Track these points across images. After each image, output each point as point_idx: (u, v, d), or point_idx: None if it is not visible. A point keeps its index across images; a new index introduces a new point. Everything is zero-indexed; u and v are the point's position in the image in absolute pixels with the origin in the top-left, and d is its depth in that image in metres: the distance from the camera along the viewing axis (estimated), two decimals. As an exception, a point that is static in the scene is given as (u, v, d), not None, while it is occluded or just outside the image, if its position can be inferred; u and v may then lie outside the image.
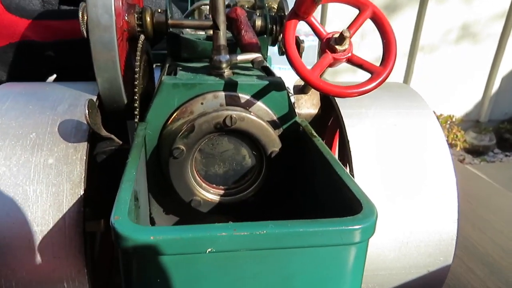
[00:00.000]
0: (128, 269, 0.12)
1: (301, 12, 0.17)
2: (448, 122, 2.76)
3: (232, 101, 0.17)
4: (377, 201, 0.15)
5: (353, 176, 0.17)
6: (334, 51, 0.17)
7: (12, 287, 0.16)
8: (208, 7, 0.25)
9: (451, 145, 2.73)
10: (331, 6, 2.35)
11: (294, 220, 0.12)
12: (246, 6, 0.26)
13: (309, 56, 0.60)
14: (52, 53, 0.26)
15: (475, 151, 2.90)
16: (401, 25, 2.50)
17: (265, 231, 0.12)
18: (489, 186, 0.53)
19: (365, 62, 0.17)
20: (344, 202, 0.14)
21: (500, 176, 2.63)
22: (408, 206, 0.19)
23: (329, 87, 0.17)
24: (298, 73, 0.16)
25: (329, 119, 0.21)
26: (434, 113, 0.19)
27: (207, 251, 0.11)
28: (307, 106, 0.22)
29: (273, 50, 0.43)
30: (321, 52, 0.17)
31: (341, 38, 0.16)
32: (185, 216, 0.19)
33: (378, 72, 0.16)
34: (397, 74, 2.63)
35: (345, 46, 0.16)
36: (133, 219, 0.13)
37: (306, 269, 0.12)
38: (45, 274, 0.15)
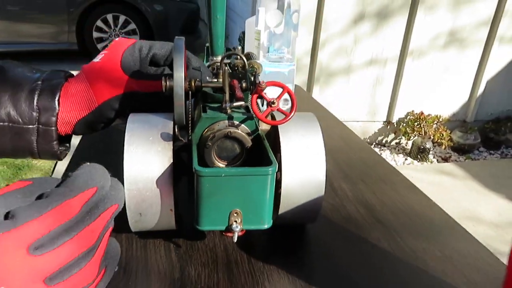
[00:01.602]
0: (198, 183, 0.34)
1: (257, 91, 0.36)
2: (435, 122, 2.95)
3: (231, 124, 0.38)
4: (287, 166, 0.36)
5: (281, 159, 0.37)
6: (271, 106, 0.35)
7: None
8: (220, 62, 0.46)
9: (437, 144, 2.92)
10: (325, 17, 2.54)
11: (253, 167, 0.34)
12: (240, 66, 0.47)
13: (289, 78, 0.80)
14: (146, 99, 0.43)
15: (461, 149, 3.08)
16: (392, 31, 2.69)
17: (238, 170, 0.34)
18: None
19: (283, 111, 0.35)
20: (269, 164, 0.34)
21: (482, 172, 2.84)
22: (300, 166, 0.38)
23: (268, 121, 0.36)
24: (256, 116, 0.36)
25: (274, 132, 0.40)
26: (322, 134, 0.38)
27: (222, 175, 0.33)
28: (264, 126, 0.43)
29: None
30: (267, 106, 0.36)
31: (273, 102, 0.35)
32: None
33: (288, 114, 0.35)
34: (388, 78, 2.82)
35: (275, 105, 0.35)
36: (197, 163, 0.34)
37: (253, 183, 0.33)
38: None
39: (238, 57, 0.47)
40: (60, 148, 0.44)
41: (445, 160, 3.00)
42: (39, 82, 0.43)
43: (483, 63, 2.93)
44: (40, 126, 0.42)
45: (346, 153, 0.63)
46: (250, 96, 0.41)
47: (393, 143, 3.12)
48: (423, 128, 2.88)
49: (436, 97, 3.00)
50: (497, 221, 2.26)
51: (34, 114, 0.42)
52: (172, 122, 0.38)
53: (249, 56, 0.52)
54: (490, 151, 3.17)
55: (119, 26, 4.34)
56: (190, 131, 0.38)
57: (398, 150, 3.04)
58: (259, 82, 0.36)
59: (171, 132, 0.37)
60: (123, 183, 0.34)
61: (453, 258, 0.40)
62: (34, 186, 0.29)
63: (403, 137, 2.98)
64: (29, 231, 0.26)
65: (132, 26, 4.35)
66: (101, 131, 0.46)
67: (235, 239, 0.34)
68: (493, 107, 3.13)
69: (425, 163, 2.90)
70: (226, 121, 0.38)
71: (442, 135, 2.86)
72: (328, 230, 0.44)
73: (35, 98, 0.42)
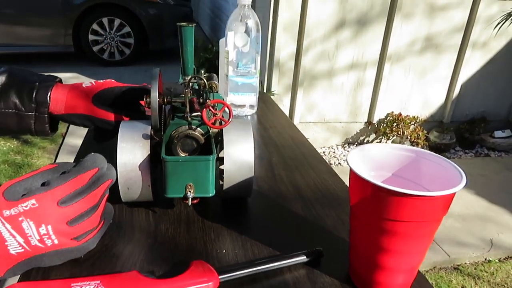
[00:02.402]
0: (164, 166, 0.52)
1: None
2: (413, 122, 3.14)
3: (190, 128, 0.56)
4: (227, 155, 0.54)
5: (224, 151, 0.56)
6: (215, 116, 0.54)
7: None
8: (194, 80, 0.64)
9: (413, 143, 3.11)
10: (309, 21, 2.71)
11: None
12: (202, 85, 0.65)
13: (255, 87, 0.97)
14: (99, 122, 0.64)
15: (438, 149, 3.27)
16: (371, 37, 2.87)
17: (190, 157, 0.51)
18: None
19: (223, 119, 0.55)
20: (211, 154, 0.53)
21: (455, 169, 3.02)
22: (236, 156, 0.56)
23: (212, 126, 0.55)
24: (205, 123, 0.55)
25: (221, 132, 0.58)
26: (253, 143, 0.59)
27: (180, 161, 0.51)
28: (213, 129, 0.61)
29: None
30: (212, 115, 0.55)
31: (216, 114, 0.55)
32: None
33: (226, 122, 0.53)
34: (368, 81, 3.01)
35: (218, 115, 0.54)
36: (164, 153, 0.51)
37: (200, 166, 0.51)
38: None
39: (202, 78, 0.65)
40: (50, 129, 0.64)
41: (422, 158, 3.18)
42: (37, 83, 0.62)
43: (457, 67, 3.12)
44: (37, 113, 0.62)
45: (291, 149, 0.81)
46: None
47: (374, 142, 3.31)
48: (401, 129, 3.07)
49: (414, 99, 3.19)
50: (464, 214, 2.45)
51: (33, 105, 0.61)
52: (150, 127, 0.56)
53: (210, 77, 0.69)
54: (465, 150, 3.36)
55: (114, 29, 4.49)
56: (162, 132, 0.56)
57: (379, 149, 3.22)
58: (207, 100, 0.53)
59: (149, 133, 0.55)
60: (116, 167, 0.52)
61: (346, 220, 0.58)
62: (59, 167, 0.47)
63: (383, 137, 3.17)
64: (57, 192, 0.43)
65: (127, 29, 4.51)
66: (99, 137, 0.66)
67: (189, 203, 0.51)
68: (468, 108, 3.31)
69: (403, 161, 3.09)
70: (187, 126, 0.55)
71: (419, 135, 3.05)
72: (263, 202, 0.62)
73: (34, 94, 0.61)
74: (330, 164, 2.98)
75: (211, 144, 0.54)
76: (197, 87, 0.64)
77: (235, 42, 0.96)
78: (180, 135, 0.55)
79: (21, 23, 4.29)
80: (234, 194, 0.58)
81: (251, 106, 1.02)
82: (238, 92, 0.99)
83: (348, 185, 0.44)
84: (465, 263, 2.10)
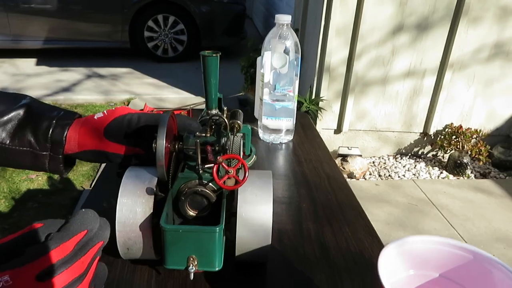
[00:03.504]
0: (163, 235, 0.45)
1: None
2: (475, 136, 2.88)
3: (200, 183, 0.49)
4: (241, 219, 0.47)
5: (237, 213, 0.48)
6: (228, 174, 0.46)
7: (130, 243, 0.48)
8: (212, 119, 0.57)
9: (474, 159, 2.85)
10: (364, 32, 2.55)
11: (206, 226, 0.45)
12: (223, 125, 0.58)
13: (293, 112, 0.89)
14: (114, 158, 0.57)
15: (502, 166, 2.98)
16: (432, 43, 2.66)
17: (192, 229, 0.45)
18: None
19: (237, 178, 0.47)
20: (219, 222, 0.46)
21: (520, 191, 2.74)
22: (251, 220, 0.48)
23: (224, 186, 0.47)
24: (215, 182, 0.48)
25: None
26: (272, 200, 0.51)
27: (180, 231, 0.44)
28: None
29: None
30: (224, 173, 0.47)
31: (229, 171, 0.46)
32: (184, 224, 0.52)
33: (241, 182, 0.46)
34: (426, 89, 2.79)
35: (231, 173, 0.45)
36: (164, 222, 0.45)
37: (204, 238, 0.44)
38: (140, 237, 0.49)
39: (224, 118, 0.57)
40: (64, 169, 0.60)
41: (484, 176, 2.92)
42: (54, 121, 0.58)
43: (531, 77, 2.81)
44: (51, 153, 0.58)
45: (325, 193, 0.71)
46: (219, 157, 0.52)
47: (429, 155, 3.08)
48: (460, 142, 2.83)
49: (477, 110, 2.92)
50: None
51: (48, 145, 0.58)
52: (156, 178, 0.49)
53: (234, 114, 0.62)
54: (535, 169, 3.03)
55: (168, 26, 4.56)
56: (170, 186, 0.49)
57: (434, 163, 3.00)
58: (218, 157, 0.46)
59: (154, 187, 0.48)
60: (114, 222, 0.46)
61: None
62: (44, 227, 0.42)
63: (440, 150, 2.94)
64: (36, 265, 0.38)
65: (181, 26, 4.55)
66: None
67: (191, 277, 0.44)
68: (541, 123, 2.99)
69: (461, 178, 2.85)
70: (197, 181, 0.48)
71: (480, 150, 2.79)
72: (282, 268, 0.53)
73: (49, 133, 0.57)
74: (380, 176, 2.82)
75: (222, 207, 0.47)
76: (219, 122, 0.57)
77: (273, 63, 0.88)
78: (188, 192, 0.48)
79: (83, 19, 4.49)
80: (247, 260, 0.50)
81: (287, 132, 0.93)
82: (273, 116, 0.91)
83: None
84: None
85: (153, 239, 0.48)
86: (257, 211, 0.48)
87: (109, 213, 0.63)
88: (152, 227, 0.47)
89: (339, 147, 2.89)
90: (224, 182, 0.46)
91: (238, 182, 0.47)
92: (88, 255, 0.41)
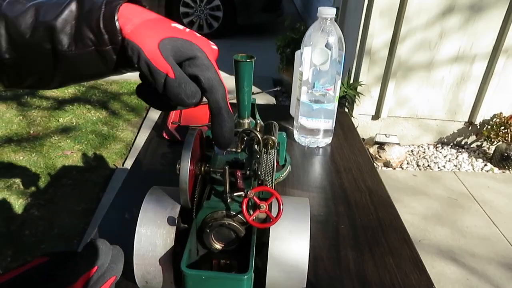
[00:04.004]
0: (184, 280, 0.40)
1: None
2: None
3: (228, 215, 0.43)
4: (272, 259, 0.41)
5: (268, 252, 0.43)
6: (259, 209, 0.40)
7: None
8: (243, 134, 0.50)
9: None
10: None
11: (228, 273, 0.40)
12: (256, 140, 0.51)
13: (333, 113, 0.81)
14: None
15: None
16: (485, 26, 2.45)
17: (217, 276, 0.39)
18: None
19: (270, 215, 0.40)
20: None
21: None
22: (284, 260, 0.42)
23: (254, 223, 0.41)
24: (246, 219, 0.41)
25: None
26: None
27: (203, 277, 0.39)
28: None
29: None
30: (255, 209, 0.41)
31: (261, 206, 0.41)
32: (209, 255, 0.47)
33: (274, 220, 0.39)
34: (475, 76, 2.60)
35: (263, 208, 0.40)
36: (185, 264, 0.40)
37: (230, 286, 0.39)
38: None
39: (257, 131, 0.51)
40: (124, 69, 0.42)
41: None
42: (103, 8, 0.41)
43: None
44: (112, 46, 0.40)
45: (366, 212, 0.64)
46: (253, 183, 0.46)
47: (473, 145, 2.90)
48: (509, 134, 2.64)
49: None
50: None
51: (105, 36, 0.40)
52: (179, 206, 0.44)
53: (269, 128, 0.55)
54: None
55: (204, 1, 4.47)
56: (194, 215, 0.44)
57: (478, 154, 2.83)
58: (248, 192, 0.40)
59: (176, 217, 0.43)
60: (132, 251, 0.42)
61: None
62: (50, 262, 0.38)
63: (485, 141, 2.76)
64: None
65: (217, 2, 4.45)
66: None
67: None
68: None
69: (507, 171, 2.67)
70: (224, 211, 0.43)
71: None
72: (317, 308, 0.48)
73: (101, 24, 0.40)
74: (418, 166, 2.68)
75: (251, 248, 0.41)
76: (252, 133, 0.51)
77: (313, 59, 0.80)
78: (214, 224, 0.42)
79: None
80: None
81: (326, 133, 0.85)
82: (311, 117, 0.84)
83: None
84: None
85: (174, 273, 0.43)
86: (291, 250, 0.42)
87: (130, 224, 0.59)
88: (173, 260, 0.42)
89: (376, 134, 2.77)
90: (255, 218, 0.40)
91: (270, 219, 0.41)
92: None
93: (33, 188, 2.23)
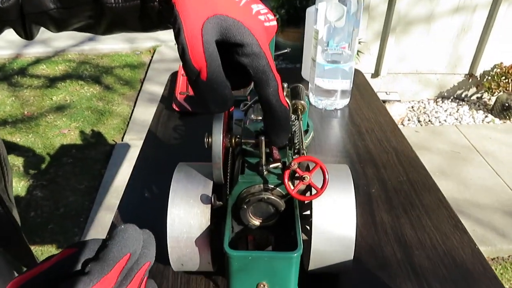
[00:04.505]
0: (228, 261, 0.38)
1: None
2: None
3: (265, 188, 0.40)
4: (317, 228, 0.38)
5: (312, 221, 0.39)
6: (302, 181, 0.36)
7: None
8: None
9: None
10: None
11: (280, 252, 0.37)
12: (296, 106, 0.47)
13: (349, 74, 0.76)
14: None
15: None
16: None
17: (264, 255, 0.37)
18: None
19: (315, 186, 0.36)
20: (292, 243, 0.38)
21: None
22: (330, 229, 0.39)
23: (298, 196, 0.37)
24: (289, 193, 0.37)
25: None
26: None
27: (250, 258, 0.36)
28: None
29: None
30: (298, 180, 0.37)
31: (304, 178, 0.36)
32: (244, 231, 0.44)
33: (319, 191, 0.35)
34: (475, 26, 2.53)
35: (307, 180, 0.35)
36: (228, 243, 0.37)
37: (278, 264, 0.36)
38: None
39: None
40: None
41: None
42: None
43: None
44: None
45: (395, 172, 0.61)
46: (288, 152, 0.42)
47: (473, 97, 2.87)
48: (510, 84, 2.61)
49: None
50: None
51: None
52: (212, 182, 0.41)
53: (295, 91, 0.51)
54: None
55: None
56: (228, 192, 0.40)
57: (479, 106, 2.80)
58: (289, 163, 0.36)
59: (210, 194, 0.40)
60: (166, 232, 0.39)
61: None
62: (79, 253, 0.35)
63: (486, 93, 2.73)
64: None
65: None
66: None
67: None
68: None
69: (508, 121, 2.66)
70: (261, 185, 0.39)
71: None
72: (361, 278, 0.46)
73: None
74: (419, 122, 2.66)
75: (296, 222, 0.38)
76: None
77: (327, 15, 0.75)
78: (252, 200, 0.39)
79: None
80: (324, 272, 0.42)
81: (343, 94, 0.81)
82: (328, 77, 0.79)
83: None
84: None
85: (211, 253, 0.40)
86: (337, 221, 0.39)
87: (152, 204, 0.56)
88: (210, 241, 0.40)
89: (377, 92, 2.72)
90: (298, 190, 0.37)
91: (311, 190, 0.38)
92: (134, 282, 0.34)
93: (34, 170, 2.20)
